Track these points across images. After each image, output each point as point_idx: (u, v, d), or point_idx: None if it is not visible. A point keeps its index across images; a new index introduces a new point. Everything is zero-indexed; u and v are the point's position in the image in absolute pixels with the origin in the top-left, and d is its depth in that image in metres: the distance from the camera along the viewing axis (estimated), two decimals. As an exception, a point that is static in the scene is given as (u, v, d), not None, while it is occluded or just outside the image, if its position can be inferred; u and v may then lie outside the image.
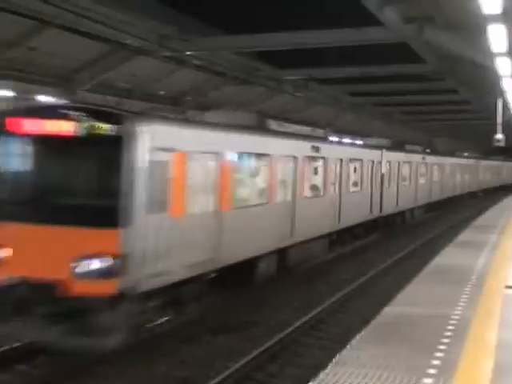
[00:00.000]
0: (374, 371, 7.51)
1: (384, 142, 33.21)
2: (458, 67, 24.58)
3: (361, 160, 26.46)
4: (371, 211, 28.29)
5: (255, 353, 12.35)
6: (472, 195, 58.98)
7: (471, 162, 59.13)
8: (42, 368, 11.59)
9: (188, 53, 20.90)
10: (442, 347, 8.40)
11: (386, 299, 12.76)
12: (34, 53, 17.22)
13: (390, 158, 31.24)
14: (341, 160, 23.73)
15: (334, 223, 23.31)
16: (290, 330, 13.99)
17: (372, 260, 23.92)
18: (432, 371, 7.48)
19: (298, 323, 14.54)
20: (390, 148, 32.33)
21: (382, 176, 29.75)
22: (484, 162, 64.78)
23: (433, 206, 43.05)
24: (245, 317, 15.37)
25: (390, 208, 31.49)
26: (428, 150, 44.13)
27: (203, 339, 13.51)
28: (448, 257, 16.47)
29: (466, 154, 62.02)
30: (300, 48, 21.62)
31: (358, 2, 15.40)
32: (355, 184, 26.14)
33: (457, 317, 10.01)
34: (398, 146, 35.20)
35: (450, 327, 9.40)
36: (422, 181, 38.92)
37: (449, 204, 48.38)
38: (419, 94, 35.48)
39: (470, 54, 18.32)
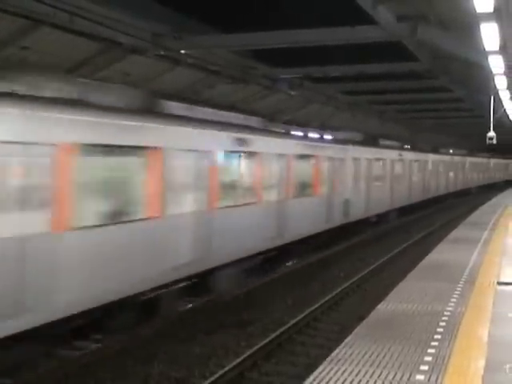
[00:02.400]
0: (366, 368, 7.55)
1: (355, 136, 30.08)
2: (452, 65, 24.67)
3: (315, 157, 22.70)
4: (329, 220, 24.15)
5: (250, 351, 12.40)
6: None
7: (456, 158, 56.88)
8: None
9: (182, 51, 20.90)
10: (434, 344, 8.45)
11: (381, 296, 12.82)
12: (26, 52, 17.19)
13: (359, 155, 28.24)
14: (284, 156, 19.85)
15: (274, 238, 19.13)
16: (284, 328, 14.03)
17: (366, 258, 24.00)
18: (424, 368, 7.52)
19: (292, 321, 14.58)
20: (359, 143, 29.40)
21: (347, 176, 26.40)
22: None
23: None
24: (239, 316, 15.41)
25: (357, 213, 27.84)
26: (407, 146, 41.61)
27: (198, 338, 13.54)
28: (441, 253, 16.52)
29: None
30: (295, 46, 21.67)
31: (352, 1, 15.43)
32: (306, 186, 22.20)
33: (449, 313, 10.06)
34: (370, 140, 32.30)
35: (442, 324, 9.44)
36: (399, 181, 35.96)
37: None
38: (413, 92, 35.55)
39: (463, 52, 18.39)
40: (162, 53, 20.52)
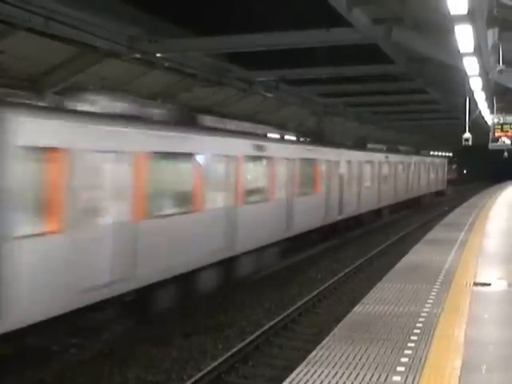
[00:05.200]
0: (343, 370, 7.57)
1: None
2: (427, 67, 24.77)
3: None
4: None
5: (227, 354, 12.40)
6: None
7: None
8: None
9: (158, 55, 20.85)
10: (410, 345, 8.49)
11: (358, 298, 12.86)
12: (2, 56, 17.08)
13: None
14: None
15: None
16: (261, 330, 14.04)
17: (343, 259, 24.06)
18: (401, 369, 7.56)
19: (269, 324, 14.59)
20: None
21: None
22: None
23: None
24: (216, 318, 15.39)
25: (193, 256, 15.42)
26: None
27: (175, 341, 13.52)
28: (417, 255, 16.59)
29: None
30: (270, 49, 21.68)
31: (327, 3, 15.45)
32: None
33: (425, 314, 10.11)
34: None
35: (419, 325, 9.49)
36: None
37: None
38: (389, 94, 35.63)
39: (438, 54, 18.47)
40: (138, 56, 20.44)
